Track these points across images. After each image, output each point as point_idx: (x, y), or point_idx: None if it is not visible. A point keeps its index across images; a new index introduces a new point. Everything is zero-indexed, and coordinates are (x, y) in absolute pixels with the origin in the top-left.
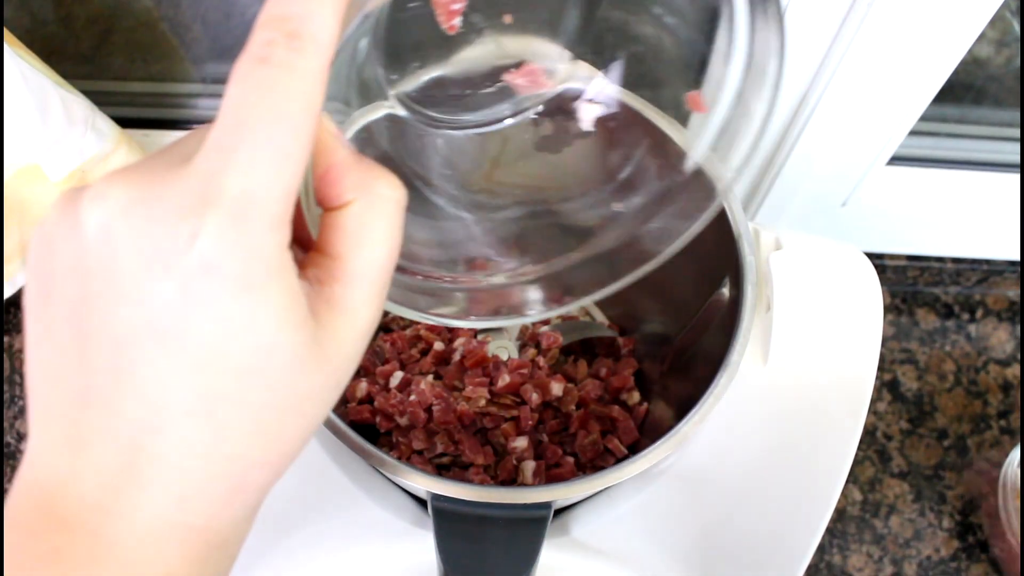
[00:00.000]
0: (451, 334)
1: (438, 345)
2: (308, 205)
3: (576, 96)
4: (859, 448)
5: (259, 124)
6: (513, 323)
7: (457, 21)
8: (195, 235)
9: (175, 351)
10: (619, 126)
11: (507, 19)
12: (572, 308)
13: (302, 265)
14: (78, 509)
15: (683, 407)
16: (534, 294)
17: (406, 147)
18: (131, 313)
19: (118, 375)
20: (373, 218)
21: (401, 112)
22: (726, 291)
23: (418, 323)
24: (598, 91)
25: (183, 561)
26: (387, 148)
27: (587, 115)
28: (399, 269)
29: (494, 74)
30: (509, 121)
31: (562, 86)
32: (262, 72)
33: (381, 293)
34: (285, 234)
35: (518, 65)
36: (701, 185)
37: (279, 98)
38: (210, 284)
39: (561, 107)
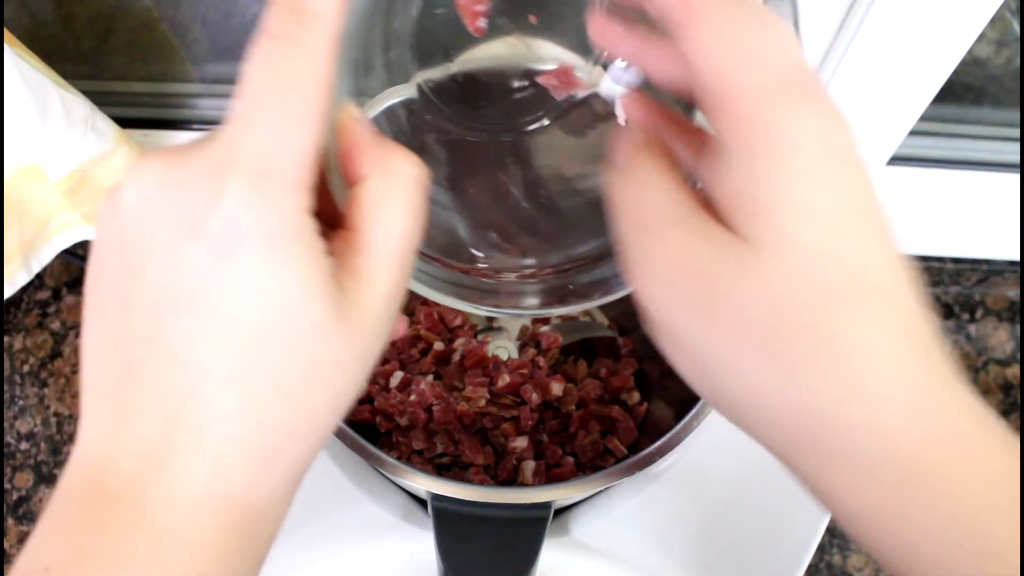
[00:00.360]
0: (451, 334)
1: (438, 345)
2: (335, 183)
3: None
4: None
5: (271, 92)
6: (527, 315)
7: (482, 22)
8: (218, 195)
9: (204, 314)
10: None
11: (532, 19)
12: (575, 310)
13: (329, 241)
14: (121, 481)
15: (683, 407)
16: (537, 296)
17: (429, 132)
18: (165, 279)
19: (154, 343)
20: (389, 191)
21: (421, 99)
22: None
23: (419, 322)
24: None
25: (218, 531)
26: (411, 135)
27: (622, 113)
28: (424, 256)
29: (526, 76)
30: (534, 126)
31: (595, 87)
32: (272, 46)
33: (402, 265)
34: (305, 198)
35: (547, 70)
36: None
37: (288, 67)
38: (234, 243)
39: (582, 104)
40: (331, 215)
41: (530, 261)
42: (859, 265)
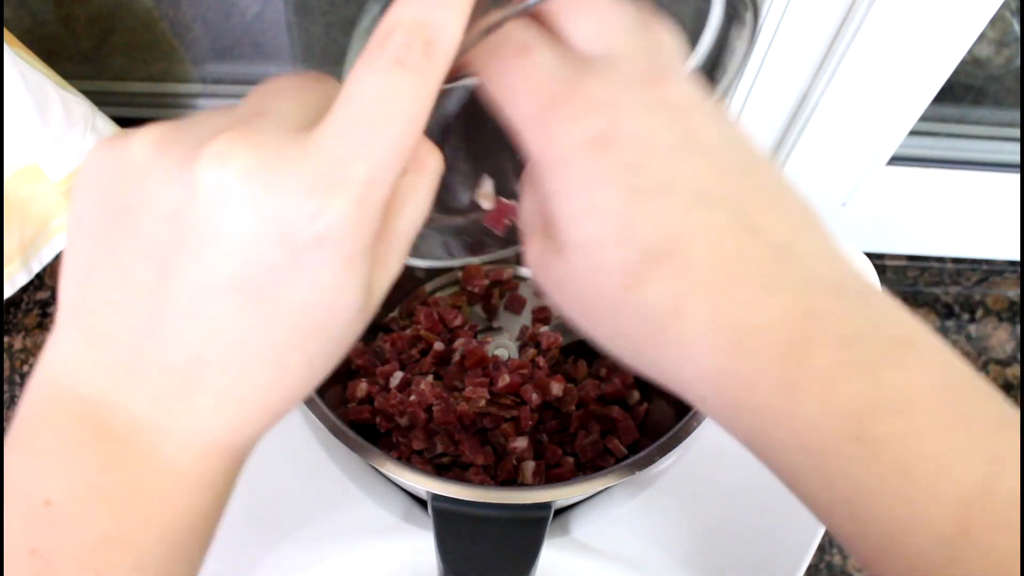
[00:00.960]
0: (451, 334)
1: (438, 345)
2: None
3: None
4: None
5: (391, 122)
6: (501, 255)
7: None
8: (321, 212)
9: (266, 309)
10: None
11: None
12: None
13: None
14: (128, 426)
15: (683, 407)
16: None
17: None
18: (231, 269)
19: (196, 319)
20: (419, 186)
21: None
22: None
23: (419, 322)
24: None
25: (220, 474)
26: None
27: None
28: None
29: None
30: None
31: None
32: (398, 74)
33: (409, 249)
34: (381, 216)
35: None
36: None
37: (410, 101)
38: (316, 254)
39: None
40: None
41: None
42: (640, 239)
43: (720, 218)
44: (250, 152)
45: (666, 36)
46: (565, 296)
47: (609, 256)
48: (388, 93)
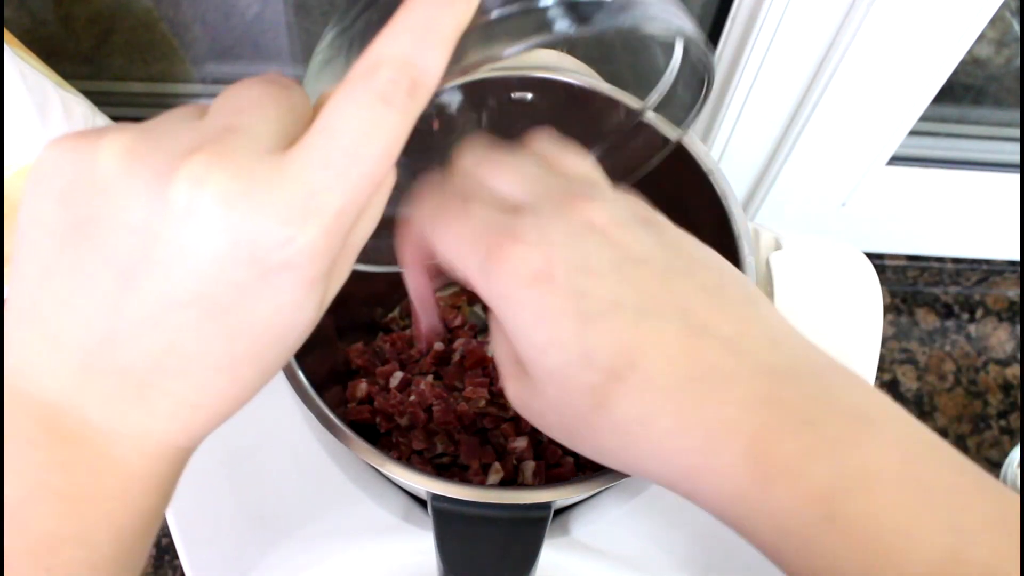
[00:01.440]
0: (451, 334)
1: (438, 345)
2: None
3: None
4: None
5: (368, 156)
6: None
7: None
8: (292, 240)
9: (228, 324)
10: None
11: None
12: None
13: None
14: (83, 427)
15: None
16: None
17: None
18: (196, 286)
19: (156, 327)
20: (375, 202)
21: None
22: None
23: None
24: None
25: (169, 474)
26: None
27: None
28: None
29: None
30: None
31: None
32: (382, 110)
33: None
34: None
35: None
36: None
37: (390, 137)
38: (283, 278)
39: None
40: None
41: None
42: (599, 360)
43: (668, 326)
44: (227, 176)
45: (574, 162)
46: (547, 423)
47: (575, 381)
48: (369, 128)
